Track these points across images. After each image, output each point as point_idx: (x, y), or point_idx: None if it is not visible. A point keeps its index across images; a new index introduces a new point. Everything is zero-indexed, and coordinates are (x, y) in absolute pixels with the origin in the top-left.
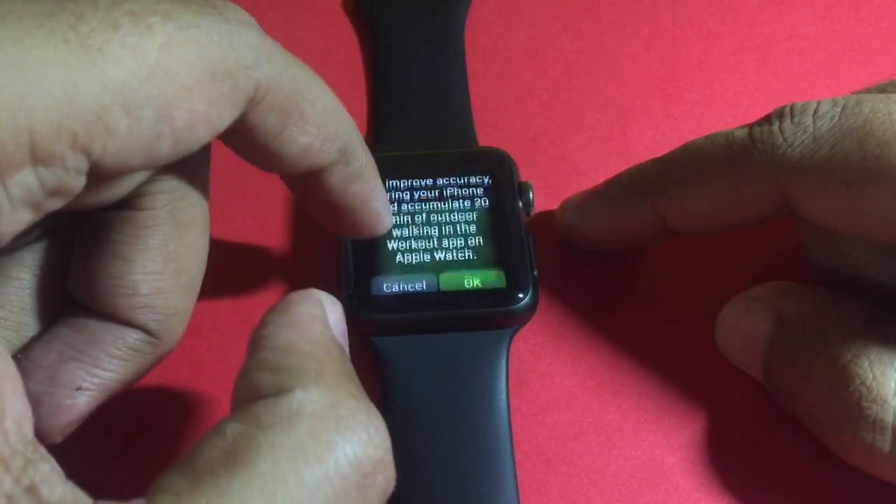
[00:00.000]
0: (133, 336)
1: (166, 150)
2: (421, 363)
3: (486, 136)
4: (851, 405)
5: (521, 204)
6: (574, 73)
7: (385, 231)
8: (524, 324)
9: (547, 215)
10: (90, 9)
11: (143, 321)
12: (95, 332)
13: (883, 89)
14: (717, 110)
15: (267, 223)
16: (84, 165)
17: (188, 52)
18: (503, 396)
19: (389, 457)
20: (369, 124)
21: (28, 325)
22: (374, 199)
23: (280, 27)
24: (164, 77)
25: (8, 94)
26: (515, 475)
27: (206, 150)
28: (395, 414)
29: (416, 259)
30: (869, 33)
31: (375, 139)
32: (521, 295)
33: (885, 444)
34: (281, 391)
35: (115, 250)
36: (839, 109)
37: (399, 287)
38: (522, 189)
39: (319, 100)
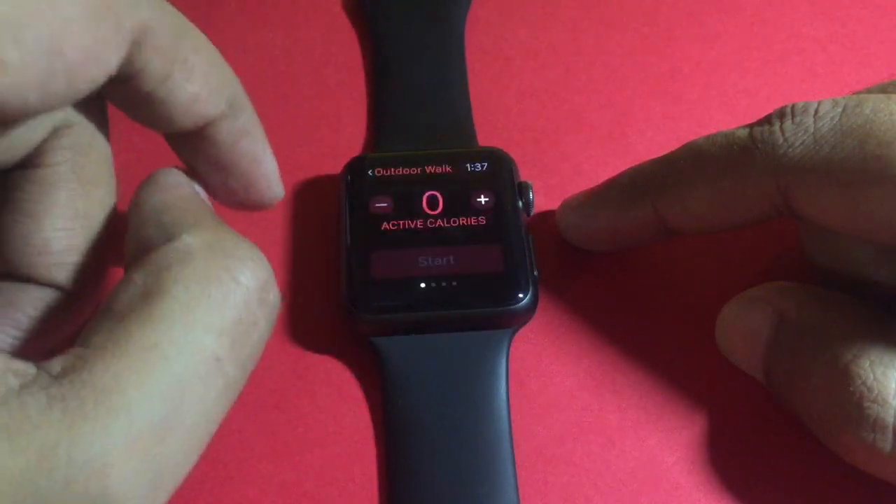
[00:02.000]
0: (49, 295)
1: (62, 87)
2: (421, 363)
3: (486, 136)
4: (852, 405)
5: (521, 204)
6: (574, 73)
7: (277, 199)
8: (524, 324)
9: (547, 215)
10: None
11: (58, 279)
12: (10, 294)
13: (884, 89)
14: (717, 110)
15: (267, 225)
16: None
17: None
18: (503, 396)
19: (273, 277)
20: (369, 124)
21: None
22: (264, 160)
23: (280, 27)
24: (50, 10)
25: None
26: (515, 475)
27: (102, 108)
28: (395, 414)
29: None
30: (869, 33)
31: (376, 139)
32: (521, 295)
33: (885, 445)
34: (169, 239)
35: (23, 209)
36: (840, 110)
37: (399, 287)
38: (522, 189)
39: (203, 49)
